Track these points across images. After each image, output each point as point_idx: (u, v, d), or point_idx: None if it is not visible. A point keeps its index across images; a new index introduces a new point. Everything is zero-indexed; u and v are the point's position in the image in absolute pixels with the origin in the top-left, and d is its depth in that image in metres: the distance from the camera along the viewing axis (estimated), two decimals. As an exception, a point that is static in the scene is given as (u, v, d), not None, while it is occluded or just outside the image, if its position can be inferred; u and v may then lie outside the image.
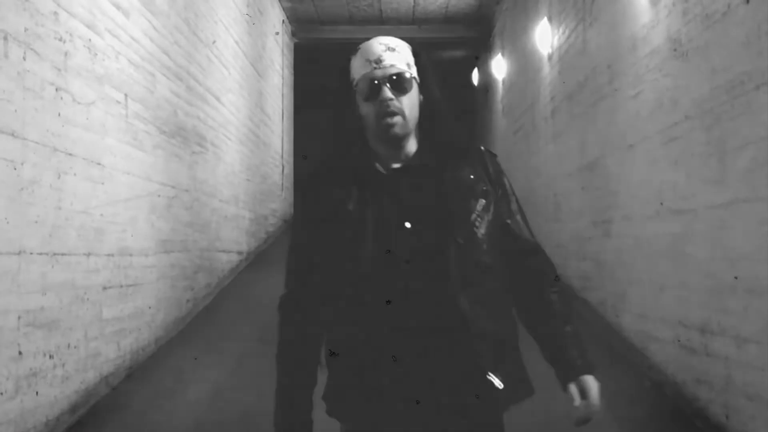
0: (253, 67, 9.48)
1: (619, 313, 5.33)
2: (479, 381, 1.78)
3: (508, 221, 1.92)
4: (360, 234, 1.81)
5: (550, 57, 7.86)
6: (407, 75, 1.87)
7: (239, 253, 8.44)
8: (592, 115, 6.06)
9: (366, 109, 1.87)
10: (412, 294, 1.77)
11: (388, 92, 1.83)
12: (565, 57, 7.15)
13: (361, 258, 1.80)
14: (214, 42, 7.17)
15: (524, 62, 9.50)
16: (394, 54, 1.87)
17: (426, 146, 1.90)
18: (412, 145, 1.90)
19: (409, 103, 1.86)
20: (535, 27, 8.51)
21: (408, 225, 1.81)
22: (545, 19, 7.97)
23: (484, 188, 1.87)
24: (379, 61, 1.85)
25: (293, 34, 12.64)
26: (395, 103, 1.83)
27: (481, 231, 1.83)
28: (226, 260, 7.75)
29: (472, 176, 1.88)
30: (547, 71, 8.03)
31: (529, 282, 1.92)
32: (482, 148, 1.98)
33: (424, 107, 1.91)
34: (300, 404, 1.90)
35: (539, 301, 1.91)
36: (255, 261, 9.07)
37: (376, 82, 1.84)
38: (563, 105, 7.20)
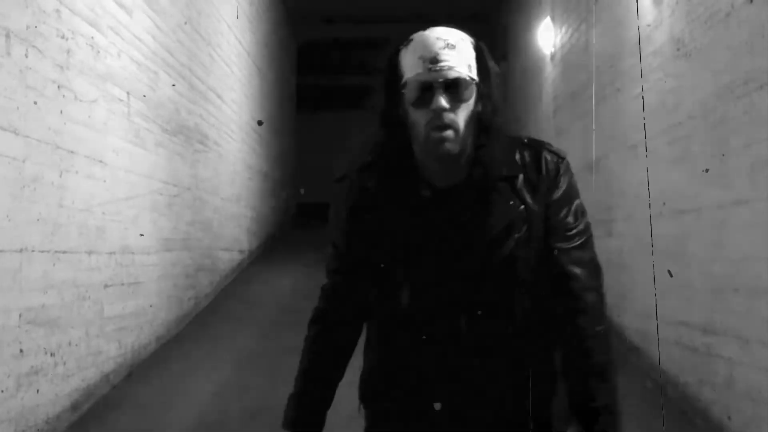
0: (256, 66, 9.47)
1: (621, 313, 5.32)
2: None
3: (555, 250, 1.69)
4: (396, 263, 1.63)
5: (552, 56, 7.85)
6: (467, 79, 1.57)
7: (241, 251, 8.44)
8: (595, 114, 6.05)
9: (414, 116, 1.58)
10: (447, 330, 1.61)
11: (442, 101, 1.54)
12: (567, 57, 7.14)
13: (398, 295, 1.63)
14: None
15: (526, 62, 9.49)
16: (454, 53, 1.56)
17: (480, 164, 1.63)
18: (464, 161, 1.62)
19: (466, 114, 1.58)
20: (537, 26, 8.50)
21: (446, 258, 1.61)
22: (548, 18, 7.96)
23: (524, 210, 1.62)
24: (435, 60, 1.55)
25: (296, 32, 12.64)
26: (449, 114, 1.55)
27: (521, 262, 1.61)
28: (228, 259, 7.75)
29: (513, 201, 1.62)
30: (549, 71, 8.01)
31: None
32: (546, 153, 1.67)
33: (482, 117, 1.62)
34: (319, 396, 1.72)
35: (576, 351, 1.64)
36: (257, 260, 9.07)
37: (429, 86, 1.55)
38: (566, 104, 7.19)
